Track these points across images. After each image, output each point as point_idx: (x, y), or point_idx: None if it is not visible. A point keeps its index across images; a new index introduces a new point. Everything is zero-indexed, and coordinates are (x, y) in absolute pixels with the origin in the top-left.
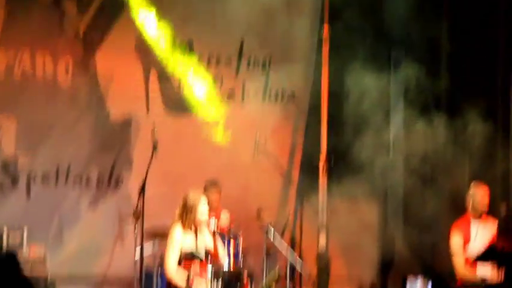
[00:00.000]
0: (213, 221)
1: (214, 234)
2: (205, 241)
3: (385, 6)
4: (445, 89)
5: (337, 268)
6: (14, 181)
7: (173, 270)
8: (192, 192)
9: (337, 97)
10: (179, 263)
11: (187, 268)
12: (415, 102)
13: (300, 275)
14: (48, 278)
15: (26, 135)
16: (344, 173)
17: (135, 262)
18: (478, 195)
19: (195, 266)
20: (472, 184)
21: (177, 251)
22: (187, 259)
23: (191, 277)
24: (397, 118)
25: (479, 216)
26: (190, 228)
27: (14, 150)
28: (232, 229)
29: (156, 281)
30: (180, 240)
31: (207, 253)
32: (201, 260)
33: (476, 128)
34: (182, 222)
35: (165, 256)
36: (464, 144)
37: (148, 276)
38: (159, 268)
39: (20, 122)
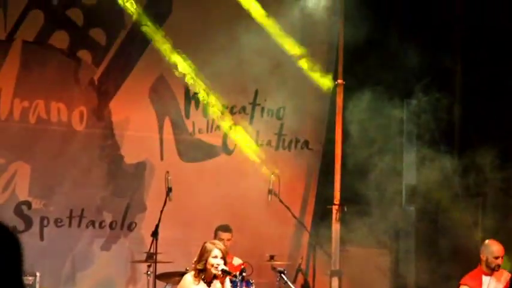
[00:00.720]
0: (221, 266)
1: (223, 277)
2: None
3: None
4: (458, 131)
5: None
6: (28, 224)
7: None
8: (208, 243)
9: (350, 143)
10: None
11: None
12: (428, 146)
13: None
14: None
15: (40, 181)
16: (356, 218)
17: None
18: (493, 253)
19: None
20: (487, 241)
21: None
22: None
23: None
24: (410, 163)
25: (491, 272)
26: (202, 279)
27: (27, 195)
28: (244, 275)
29: None
30: None
31: None
32: None
33: (491, 175)
34: (195, 271)
35: None
36: (478, 192)
37: None
38: None
39: (34, 168)
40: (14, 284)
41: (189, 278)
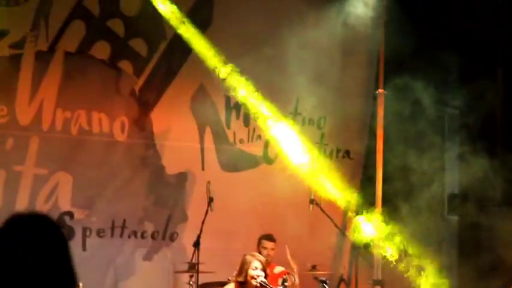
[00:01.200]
0: (260, 278)
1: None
2: None
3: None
4: (501, 137)
5: None
6: (70, 235)
7: None
8: (248, 255)
9: (391, 151)
10: None
11: None
12: (471, 153)
13: None
14: None
15: (82, 191)
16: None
17: None
18: None
19: None
20: None
21: None
22: None
23: None
24: (453, 170)
25: None
26: None
27: (70, 205)
28: (286, 285)
29: None
30: None
31: None
32: None
33: None
34: (235, 283)
35: None
36: None
37: None
38: None
39: (77, 178)
40: (65, 273)
41: None
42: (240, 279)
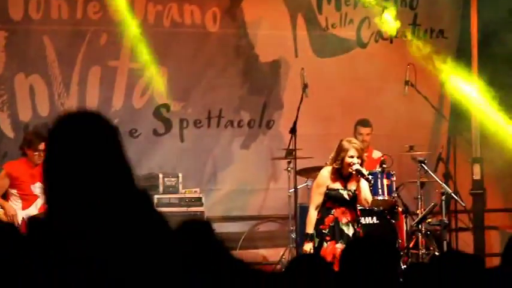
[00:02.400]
0: (355, 166)
1: (358, 177)
2: (352, 186)
3: None
4: None
5: (493, 201)
6: (168, 127)
7: (310, 213)
8: (345, 141)
9: (485, 30)
10: (325, 204)
11: (333, 209)
12: None
13: (455, 208)
14: (205, 216)
15: (177, 83)
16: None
17: (289, 198)
18: None
19: (340, 210)
20: None
21: (319, 194)
22: (333, 202)
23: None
24: None
25: None
26: (339, 175)
27: (165, 97)
28: (384, 167)
29: None
30: (324, 184)
31: (353, 198)
32: (348, 204)
33: None
34: (332, 168)
35: (310, 197)
36: None
37: (303, 211)
38: None
39: (171, 70)
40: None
41: (325, 173)
42: (337, 165)
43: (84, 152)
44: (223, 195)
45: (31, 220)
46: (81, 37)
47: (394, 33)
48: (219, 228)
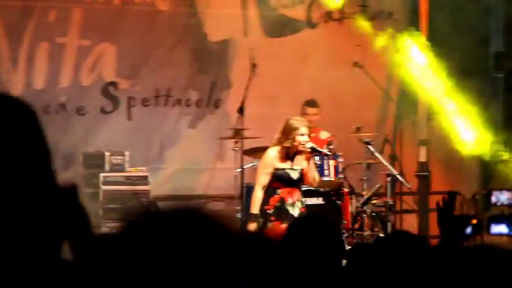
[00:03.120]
0: (309, 144)
1: (311, 154)
2: (300, 166)
3: None
4: None
5: (438, 184)
6: (115, 105)
7: (255, 193)
8: (293, 120)
9: (434, 12)
10: (272, 184)
11: (280, 189)
12: None
13: (401, 189)
14: (150, 195)
15: (126, 61)
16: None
17: (235, 178)
18: None
19: (287, 190)
20: None
21: (265, 174)
22: (279, 182)
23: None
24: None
25: None
26: (287, 155)
27: (114, 75)
28: (331, 148)
29: None
30: (271, 164)
31: (300, 177)
32: (294, 184)
33: None
34: (281, 148)
35: (256, 177)
36: None
37: (249, 191)
38: None
39: (120, 48)
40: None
41: (273, 153)
42: (287, 144)
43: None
44: (170, 174)
45: None
46: (30, 13)
47: (339, 6)
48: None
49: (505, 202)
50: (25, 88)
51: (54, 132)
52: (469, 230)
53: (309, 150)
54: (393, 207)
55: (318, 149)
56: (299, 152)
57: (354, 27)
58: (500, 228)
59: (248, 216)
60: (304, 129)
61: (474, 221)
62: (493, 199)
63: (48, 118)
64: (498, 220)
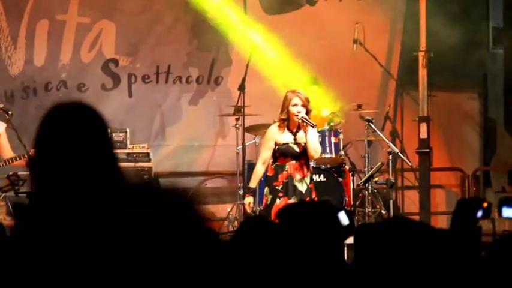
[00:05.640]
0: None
1: (304, 125)
2: (302, 140)
3: None
4: None
5: (439, 160)
6: (116, 82)
7: (257, 167)
8: (289, 92)
9: None
10: (279, 160)
11: (287, 165)
12: None
13: (402, 166)
14: (152, 171)
15: (125, 38)
16: (443, 65)
17: (237, 155)
18: None
19: (294, 166)
20: None
21: (267, 148)
22: (284, 157)
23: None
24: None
25: None
26: (287, 128)
27: (114, 52)
28: (332, 125)
29: None
30: (273, 138)
31: (304, 151)
32: (300, 158)
33: None
34: (279, 121)
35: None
36: None
37: (251, 168)
38: None
39: (119, 25)
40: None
41: (274, 128)
42: (283, 116)
43: (74, 144)
44: (172, 150)
45: (17, 207)
46: None
47: None
48: (167, 183)
49: None
50: (26, 65)
51: None
52: (480, 213)
53: (300, 120)
54: (395, 185)
55: (307, 120)
56: (300, 126)
57: (353, 4)
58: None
59: (246, 189)
60: (296, 99)
61: (485, 204)
62: None
63: (49, 95)
64: (509, 203)
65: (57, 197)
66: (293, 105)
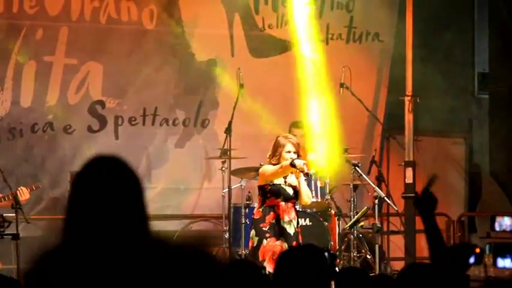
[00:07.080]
0: (298, 161)
1: (297, 170)
2: (292, 183)
3: None
4: None
5: None
6: (102, 124)
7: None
8: (281, 137)
9: (420, 33)
10: (268, 202)
11: (274, 206)
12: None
13: (388, 211)
14: None
15: (112, 80)
16: (429, 110)
17: (223, 198)
18: None
19: (282, 208)
20: None
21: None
22: (276, 197)
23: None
24: (482, 50)
25: None
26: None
27: (101, 94)
28: (318, 170)
29: (244, 213)
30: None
31: (295, 193)
32: (290, 201)
33: None
34: (270, 164)
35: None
36: None
37: (237, 211)
38: (247, 203)
39: (107, 67)
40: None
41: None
42: (274, 161)
43: (108, 198)
44: (158, 193)
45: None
46: (17, 31)
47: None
48: (153, 226)
49: (508, 228)
50: (12, 106)
51: (41, 151)
52: (472, 259)
53: (298, 170)
54: (381, 229)
55: (304, 170)
56: (293, 171)
57: (340, 47)
58: (505, 263)
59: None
60: (290, 146)
61: (477, 250)
62: (497, 226)
63: (35, 136)
64: (503, 254)
65: (89, 250)
66: (287, 152)
